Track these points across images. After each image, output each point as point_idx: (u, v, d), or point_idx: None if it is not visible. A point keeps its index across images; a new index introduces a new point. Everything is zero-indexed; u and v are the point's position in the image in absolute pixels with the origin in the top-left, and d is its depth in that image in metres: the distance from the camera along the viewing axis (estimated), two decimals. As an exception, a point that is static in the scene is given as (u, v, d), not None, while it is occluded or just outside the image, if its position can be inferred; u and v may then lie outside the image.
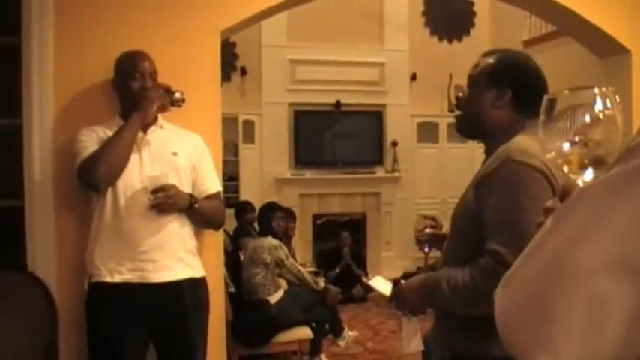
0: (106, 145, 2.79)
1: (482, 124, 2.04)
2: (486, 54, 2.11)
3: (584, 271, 0.67)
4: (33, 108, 3.07)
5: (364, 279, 2.43)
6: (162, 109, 2.92)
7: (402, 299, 2.09)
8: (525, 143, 1.82)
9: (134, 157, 2.83)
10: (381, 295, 2.28)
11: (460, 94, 2.12)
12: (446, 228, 2.32)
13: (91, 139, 2.86)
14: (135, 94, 2.88)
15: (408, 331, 2.18)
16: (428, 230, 2.36)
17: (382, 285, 2.27)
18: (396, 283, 2.13)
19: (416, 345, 2.18)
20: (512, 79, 2.01)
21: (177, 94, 2.91)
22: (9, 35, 3.09)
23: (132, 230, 2.81)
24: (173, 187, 2.83)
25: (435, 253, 2.35)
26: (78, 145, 2.87)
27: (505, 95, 1.99)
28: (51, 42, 3.11)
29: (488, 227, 1.78)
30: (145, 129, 2.90)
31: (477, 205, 1.85)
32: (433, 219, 2.41)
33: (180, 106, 2.93)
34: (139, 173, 2.83)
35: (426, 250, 2.39)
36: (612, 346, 0.66)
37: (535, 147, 1.75)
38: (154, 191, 2.78)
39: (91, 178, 2.80)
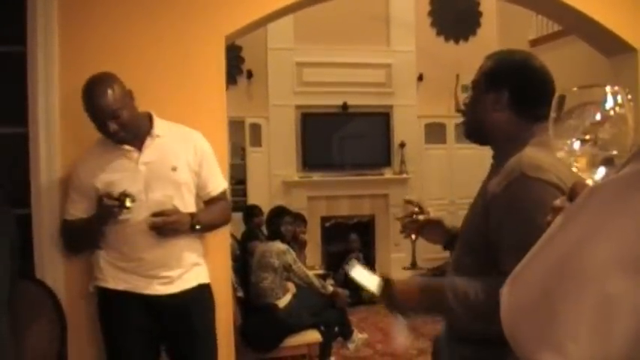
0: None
1: (485, 128, 1.99)
2: (488, 56, 2.06)
3: (593, 271, 0.66)
4: (39, 116, 3.07)
5: (347, 269, 2.25)
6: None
7: (396, 302, 1.96)
8: (537, 157, 1.73)
9: (135, 177, 2.82)
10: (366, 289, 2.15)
11: (467, 99, 2.07)
12: (435, 216, 2.34)
13: (80, 193, 2.90)
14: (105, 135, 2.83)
15: (400, 330, 2.10)
16: (421, 217, 2.31)
17: (366, 278, 2.15)
18: (386, 281, 1.98)
19: (405, 341, 2.10)
20: (509, 79, 1.95)
21: (127, 204, 2.73)
22: (14, 44, 3.10)
23: (136, 246, 2.84)
24: (174, 211, 2.82)
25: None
26: (68, 197, 2.96)
27: (502, 97, 1.93)
28: (56, 49, 3.11)
29: (505, 248, 1.69)
30: (139, 145, 2.86)
31: (489, 223, 1.78)
32: (418, 205, 2.36)
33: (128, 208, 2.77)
34: (143, 194, 2.82)
35: (413, 237, 2.33)
36: (620, 346, 0.65)
37: (548, 160, 1.68)
38: (155, 214, 2.79)
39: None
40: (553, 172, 1.67)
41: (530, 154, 1.77)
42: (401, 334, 2.09)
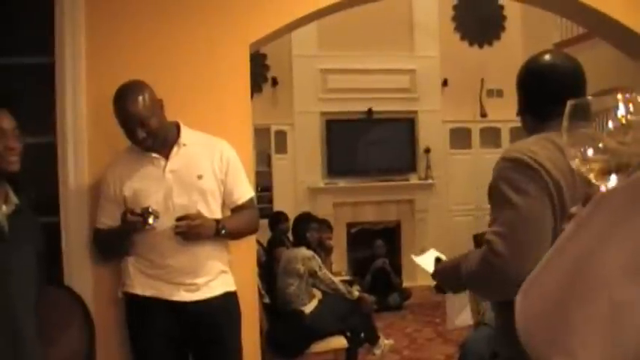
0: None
1: (524, 128, 2.08)
2: None
3: (603, 279, 0.67)
4: (67, 125, 3.12)
5: (413, 256, 2.42)
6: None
7: (438, 278, 2.11)
8: (517, 144, 1.88)
9: (161, 184, 2.85)
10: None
11: None
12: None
13: (110, 200, 2.93)
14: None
15: (451, 308, 2.17)
16: None
17: (426, 262, 2.25)
18: (437, 260, 2.14)
19: (462, 321, 2.16)
20: (518, 84, 2.06)
21: (150, 221, 2.75)
22: (42, 55, 3.15)
23: (163, 253, 2.86)
24: (198, 216, 2.84)
25: None
26: (99, 205, 3.00)
27: (519, 100, 2.06)
28: (83, 60, 3.16)
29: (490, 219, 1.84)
30: (166, 154, 2.89)
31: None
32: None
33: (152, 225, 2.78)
34: (169, 200, 2.85)
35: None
36: (630, 353, 0.65)
37: (526, 145, 1.82)
38: (179, 218, 2.80)
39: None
40: (517, 149, 1.81)
41: (515, 143, 1.91)
42: (455, 313, 2.16)
